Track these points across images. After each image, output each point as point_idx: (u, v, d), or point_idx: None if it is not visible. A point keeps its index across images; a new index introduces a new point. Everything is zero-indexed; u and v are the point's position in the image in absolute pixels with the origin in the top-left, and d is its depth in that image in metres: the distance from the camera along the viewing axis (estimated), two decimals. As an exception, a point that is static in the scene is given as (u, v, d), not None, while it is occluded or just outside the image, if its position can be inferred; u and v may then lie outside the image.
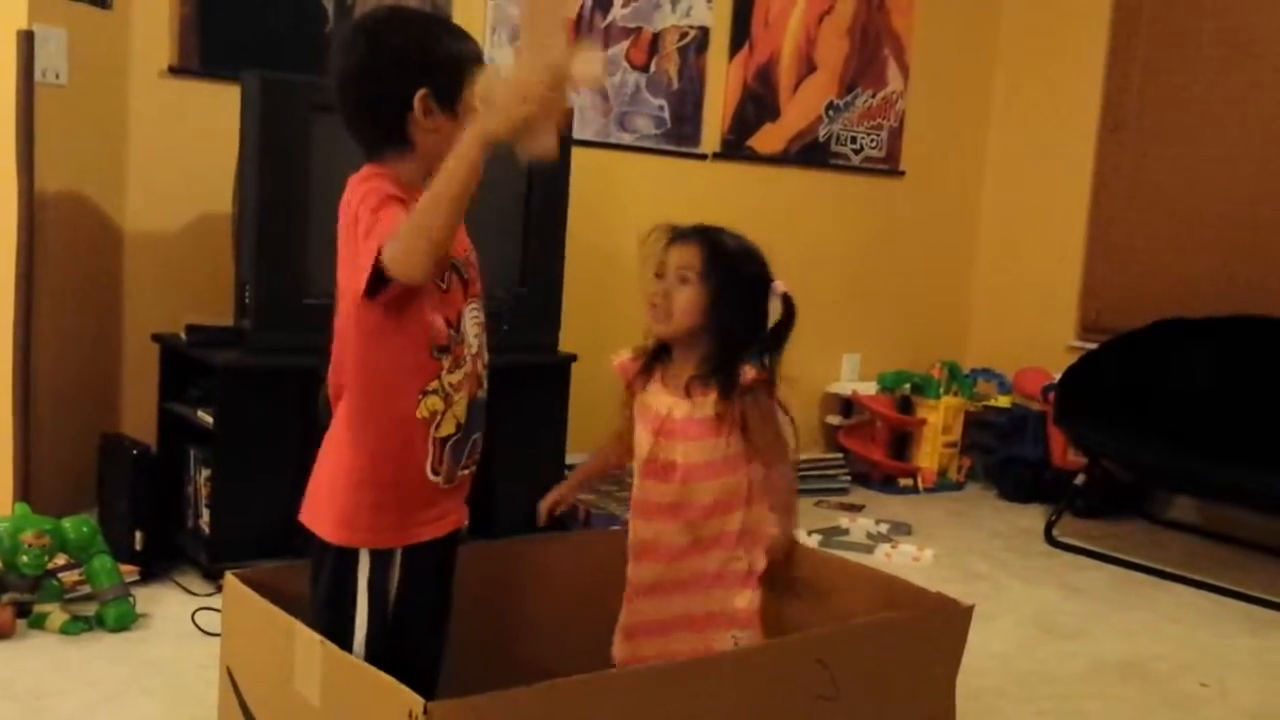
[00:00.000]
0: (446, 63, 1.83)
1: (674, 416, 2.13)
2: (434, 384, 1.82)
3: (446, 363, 1.83)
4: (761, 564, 2.21)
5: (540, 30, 1.66)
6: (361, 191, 1.77)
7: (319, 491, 1.90)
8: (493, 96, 1.65)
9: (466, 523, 1.98)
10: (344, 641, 1.80)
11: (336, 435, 1.88)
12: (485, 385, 1.95)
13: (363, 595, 1.84)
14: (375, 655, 1.79)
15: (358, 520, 1.84)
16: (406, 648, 1.86)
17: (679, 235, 2.16)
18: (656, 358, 2.21)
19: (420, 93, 1.80)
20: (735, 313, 2.13)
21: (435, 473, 1.86)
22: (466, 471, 1.93)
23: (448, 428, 1.86)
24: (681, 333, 2.13)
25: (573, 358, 3.74)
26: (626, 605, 2.22)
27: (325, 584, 1.88)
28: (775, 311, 2.17)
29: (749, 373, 2.12)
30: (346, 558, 1.84)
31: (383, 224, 1.70)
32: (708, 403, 2.11)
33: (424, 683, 1.63)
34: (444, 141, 1.82)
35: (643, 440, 2.16)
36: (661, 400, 2.15)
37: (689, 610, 2.17)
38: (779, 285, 2.17)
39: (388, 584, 1.85)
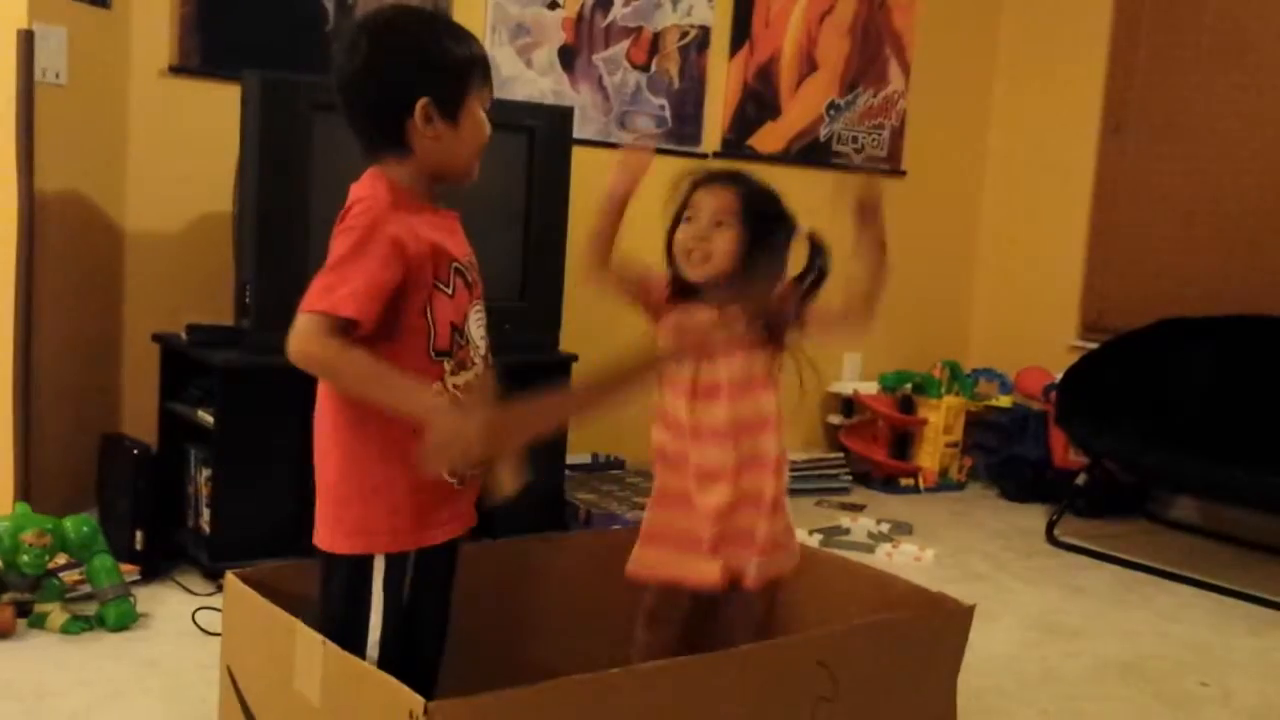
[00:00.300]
0: (450, 69, 1.82)
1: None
2: (437, 386, 1.81)
3: (449, 365, 1.83)
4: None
5: (505, 444, 1.80)
6: (351, 218, 1.77)
7: (325, 503, 1.87)
8: (442, 437, 1.71)
9: (475, 524, 1.98)
10: (357, 646, 1.79)
11: (337, 446, 1.85)
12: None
13: (378, 600, 1.82)
14: (389, 659, 1.78)
15: (373, 525, 1.82)
16: (414, 650, 1.86)
17: (711, 178, 2.15)
18: (681, 294, 2.19)
19: (422, 101, 1.79)
20: (770, 255, 2.14)
21: (450, 473, 1.85)
22: (476, 471, 1.93)
23: None
24: (718, 277, 2.12)
25: (573, 358, 3.73)
26: (705, 520, 2.16)
27: (339, 589, 1.85)
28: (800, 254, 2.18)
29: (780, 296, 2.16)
30: (361, 564, 1.83)
31: (328, 281, 1.73)
32: (742, 324, 2.13)
33: (425, 684, 1.63)
34: (443, 149, 1.83)
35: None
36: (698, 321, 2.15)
37: (753, 527, 2.16)
38: (804, 228, 2.19)
39: (402, 587, 1.84)
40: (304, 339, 1.74)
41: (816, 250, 2.18)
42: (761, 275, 2.14)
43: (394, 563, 1.83)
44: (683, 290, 2.18)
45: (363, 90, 1.83)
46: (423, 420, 1.71)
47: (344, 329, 1.72)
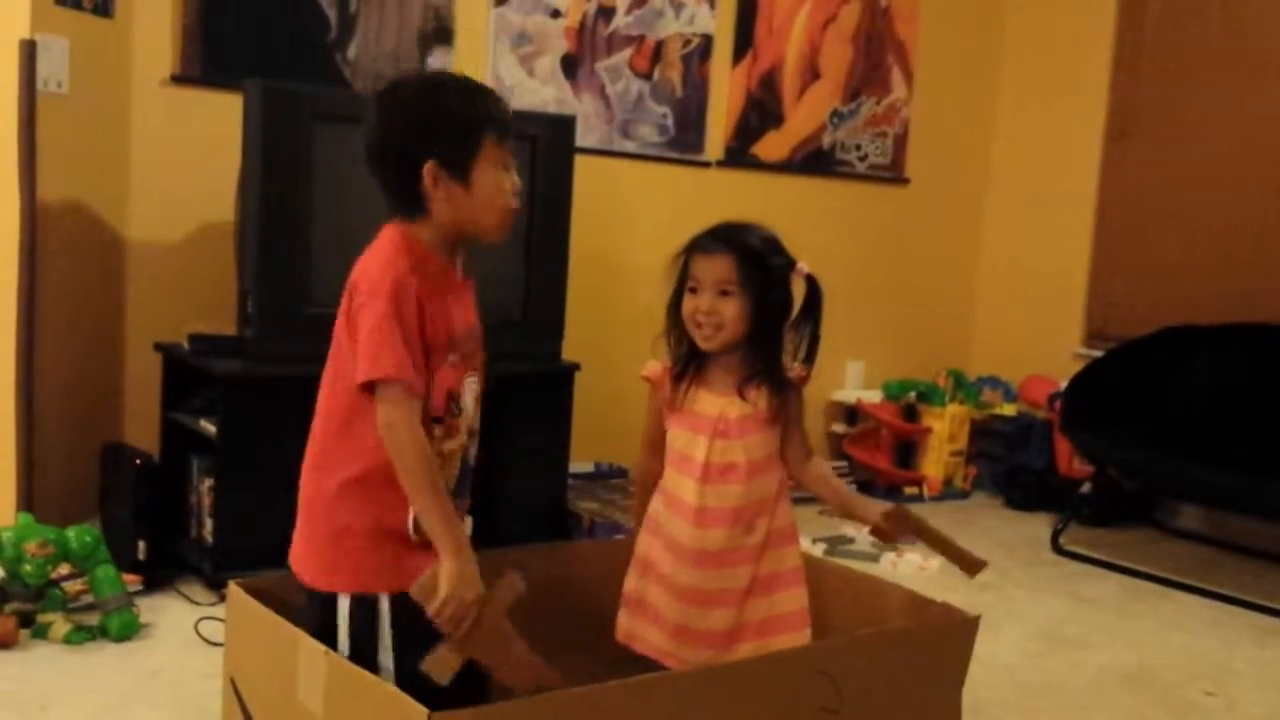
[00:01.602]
0: (454, 130, 1.84)
1: (729, 417, 2.14)
2: None
3: (439, 431, 1.85)
4: (800, 561, 2.22)
5: (475, 638, 1.77)
6: (372, 279, 1.79)
7: (323, 545, 1.88)
8: (445, 578, 1.75)
9: None
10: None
11: (330, 491, 1.87)
12: (474, 452, 1.96)
13: (342, 644, 1.83)
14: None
15: (340, 563, 1.85)
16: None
17: (706, 246, 2.15)
18: (689, 366, 2.20)
19: (428, 164, 1.82)
20: (776, 311, 2.16)
21: (416, 531, 1.84)
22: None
23: None
24: (731, 345, 2.14)
25: (575, 367, 3.73)
26: (678, 608, 2.17)
27: (314, 623, 1.86)
28: (798, 291, 2.20)
29: (794, 369, 2.18)
30: (365, 604, 1.83)
31: (369, 347, 1.76)
32: (761, 399, 2.14)
33: None
34: (457, 209, 1.85)
35: (696, 446, 2.15)
36: (712, 404, 2.16)
37: (754, 616, 2.16)
38: (802, 267, 2.19)
39: (374, 633, 1.84)
40: (401, 416, 1.76)
41: (813, 290, 2.20)
42: (773, 329, 2.17)
43: (359, 602, 1.84)
44: (694, 356, 2.19)
45: (378, 157, 1.87)
46: (443, 551, 1.75)
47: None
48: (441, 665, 1.73)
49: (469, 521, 1.99)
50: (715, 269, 2.12)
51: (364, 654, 1.82)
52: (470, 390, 1.91)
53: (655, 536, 2.21)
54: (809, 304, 2.19)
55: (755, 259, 2.13)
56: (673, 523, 2.17)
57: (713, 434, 2.14)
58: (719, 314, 2.11)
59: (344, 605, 1.84)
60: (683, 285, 2.17)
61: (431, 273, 1.84)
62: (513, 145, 1.91)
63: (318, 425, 1.91)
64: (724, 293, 2.11)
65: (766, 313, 2.14)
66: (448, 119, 1.84)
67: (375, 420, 1.77)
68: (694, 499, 2.14)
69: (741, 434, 2.14)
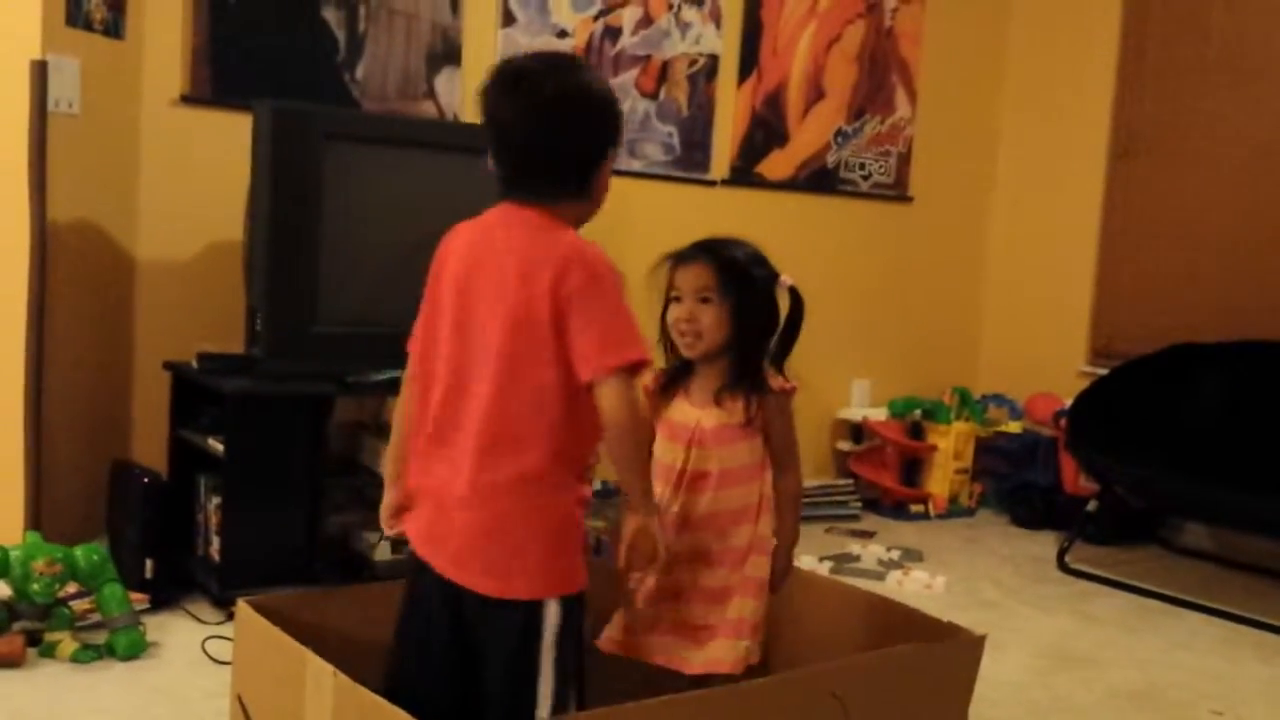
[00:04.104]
0: (619, 122, 1.93)
1: (704, 426, 2.19)
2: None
3: None
4: (767, 572, 2.23)
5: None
6: (589, 262, 1.82)
7: (513, 554, 1.83)
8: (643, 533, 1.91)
9: None
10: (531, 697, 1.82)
11: (529, 497, 1.83)
12: None
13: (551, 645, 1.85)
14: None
15: (559, 567, 1.85)
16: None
17: (686, 256, 2.23)
18: (676, 376, 2.26)
19: (610, 153, 1.90)
20: (756, 319, 2.22)
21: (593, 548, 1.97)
22: None
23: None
24: (712, 351, 2.20)
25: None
26: (640, 607, 2.22)
27: (518, 638, 1.83)
28: (783, 303, 2.27)
29: (776, 380, 2.22)
30: (537, 610, 1.83)
31: (616, 332, 1.80)
32: (738, 409, 2.19)
33: None
34: (599, 195, 1.94)
35: (673, 455, 2.20)
36: (688, 413, 2.22)
37: (706, 620, 2.18)
38: (785, 279, 2.26)
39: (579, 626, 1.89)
40: (639, 395, 1.81)
41: (796, 302, 2.27)
42: (754, 337, 2.22)
43: (571, 604, 1.89)
44: (681, 367, 2.25)
45: (562, 143, 1.86)
46: (640, 510, 1.88)
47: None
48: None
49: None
50: (696, 277, 2.20)
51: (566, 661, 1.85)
52: None
53: None
54: (791, 316, 2.26)
55: (735, 268, 2.20)
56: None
57: (688, 443, 2.19)
58: (698, 321, 2.18)
59: (554, 611, 1.83)
60: (669, 296, 2.24)
61: None
62: None
63: (493, 416, 1.81)
64: (704, 300, 2.19)
65: (747, 321, 2.19)
66: (618, 112, 1.92)
67: (599, 402, 1.78)
68: (667, 508, 2.18)
69: (716, 443, 2.18)
